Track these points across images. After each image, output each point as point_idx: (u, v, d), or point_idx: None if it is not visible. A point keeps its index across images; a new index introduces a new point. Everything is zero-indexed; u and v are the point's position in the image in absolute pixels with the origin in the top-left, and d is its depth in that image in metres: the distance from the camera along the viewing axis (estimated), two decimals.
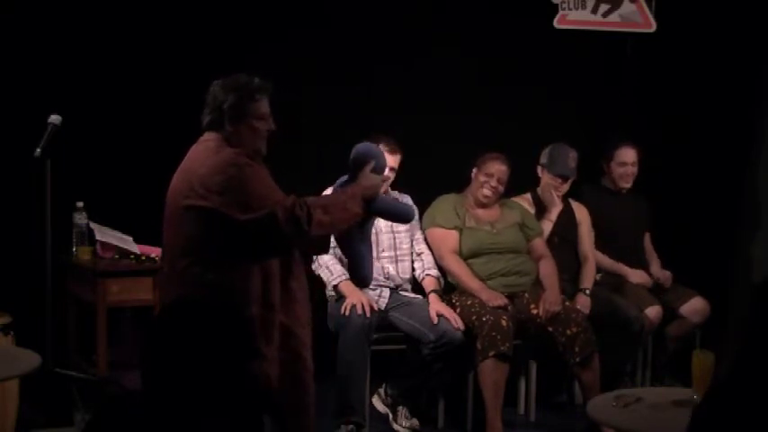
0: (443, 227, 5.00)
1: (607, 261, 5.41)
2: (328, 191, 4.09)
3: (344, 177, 3.73)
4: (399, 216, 3.94)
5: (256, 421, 3.48)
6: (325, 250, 3.88)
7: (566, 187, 5.30)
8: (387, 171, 4.75)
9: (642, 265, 5.50)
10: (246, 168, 3.38)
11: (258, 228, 3.33)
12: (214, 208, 3.32)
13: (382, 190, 4.70)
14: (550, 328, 4.85)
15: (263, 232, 3.35)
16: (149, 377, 3.52)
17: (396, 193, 4.99)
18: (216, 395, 3.41)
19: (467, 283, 4.91)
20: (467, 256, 4.98)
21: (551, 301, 4.87)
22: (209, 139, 3.49)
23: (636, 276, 5.40)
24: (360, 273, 3.79)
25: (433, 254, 5.01)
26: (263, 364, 3.43)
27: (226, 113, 3.46)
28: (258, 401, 3.45)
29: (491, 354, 4.65)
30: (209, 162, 3.40)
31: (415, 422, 4.91)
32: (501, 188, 5.03)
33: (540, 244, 5.14)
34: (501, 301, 4.81)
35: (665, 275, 5.48)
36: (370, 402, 4.91)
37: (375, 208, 3.67)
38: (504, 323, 4.69)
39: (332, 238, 3.79)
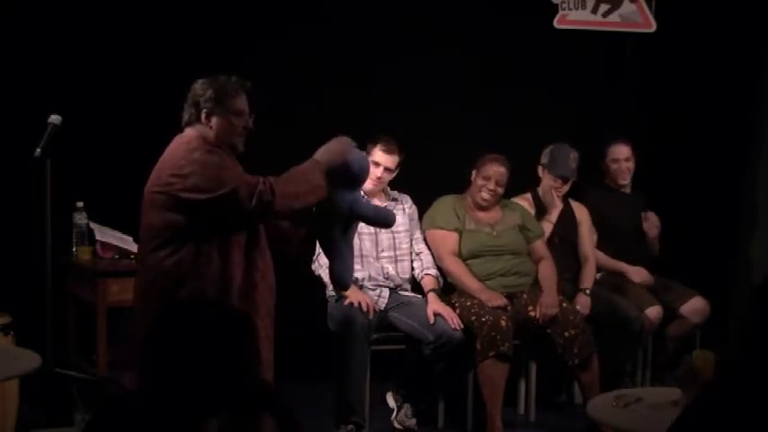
0: (443, 228, 5.00)
1: (607, 260, 5.41)
2: None
3: None
4: (381, 221, 3.94)
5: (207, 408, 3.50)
6: (304, 250, 3.90)
7: (566, 188, 5.30)
8: (381, 171, 4.78)
9: (643, 263, 5.50)
10: (211, 154, 3.47)
11: (220, 205, 3.40)
12: (175, 192, 3.41)
13: (372, 186, 4.74)
14: (549, 330, 4.85)
15: (225, 209, 3.41)
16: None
17: (396, 193, 4.99)
18: (173, 381, 3.44)
19: (466, 284, 4.91)
20: (466, 257, 4.98)
21: (548, 304, 4.87)
22: (184, 135, 3.58)
23: (636, 274, 5.39)
24: (340, 276, 3.80)
25: (432, 255, 5.02)
26: (219, 350, 3.45)
27: (202, 108, 3.55)
28: (212, 387, 3.47)
29: (491, 354, 4.65)
30: (175, 152, 3.50)
31: (413, 422, 4.92)
32: (500, 190, 5.03)
33: (540, 246, 5.14)
34: (501, 301, 4.82)
35: (651, 218, 5.47)
36: (382, 400, 4.93)
37: (356, 212, 3.69)
38: (503, 323, 4.69)
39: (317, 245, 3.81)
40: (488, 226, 5.03)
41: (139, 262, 3.60)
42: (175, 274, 3.43)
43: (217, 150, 3.50)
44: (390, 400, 4.98)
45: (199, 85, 3.59)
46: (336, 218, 3.67)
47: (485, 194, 5.01)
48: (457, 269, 4.96)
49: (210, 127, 3.55)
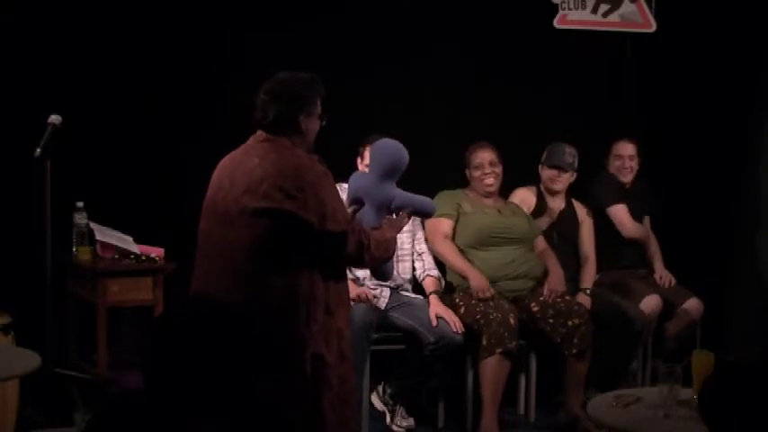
0: (438, 215, 5.01)
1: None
2: (343, 188, 4.07)
3: (360, 174, 3.84)
4: (423, 208, 3.87)
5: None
6: None
7: (563, 180, 5.31)
8: (363, 166, 4.78)
9: (636, 266, 5.50)
10: (323, 177, 3.36)
11: (329, 241, 3.33)
12: (289, 211, 3.27)
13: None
14: (551, 320, 4.87)
15: (331, 247, 3.35)
16: (187, 382, 3.46)
17: None
18: (284, 399, 3.35)
19: (455, 265, 4.94)
20: (474, 244, 4.98)
21: (556, 281, 4.92)
22: (270, 139, 3.41)
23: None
24: (381, 267, 3.80)
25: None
26: (325, 371, 3.40)
27: (301, 110, 3.43)
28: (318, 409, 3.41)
29: (498, 351, 4.66)
30: (283, 165, 3.33)
31: (411, 422, 4.92)
32: (497, 170, 5.08)
33: (541, 240, 5.20)
34: (488, 293, 4.83)
35: (666, 278, 5.48)
36: (369, 400, 4.92)
37: (399, 201, 3.68)
38: (512, 321, 4.71)
39: None
40: (495, 210, 5.05)
41: (230, 277, 3.33)
42: (287, 295, 3.30)
43: (327, 172, 3.39)
44: (377, 402, 4.98)
45: (291, 84, 3.45)
46: (382, 207, 3.67)
47: (487, 180, 5.06)
48: (446, 250, 4.98)
49: (304, 131, 3.44)
